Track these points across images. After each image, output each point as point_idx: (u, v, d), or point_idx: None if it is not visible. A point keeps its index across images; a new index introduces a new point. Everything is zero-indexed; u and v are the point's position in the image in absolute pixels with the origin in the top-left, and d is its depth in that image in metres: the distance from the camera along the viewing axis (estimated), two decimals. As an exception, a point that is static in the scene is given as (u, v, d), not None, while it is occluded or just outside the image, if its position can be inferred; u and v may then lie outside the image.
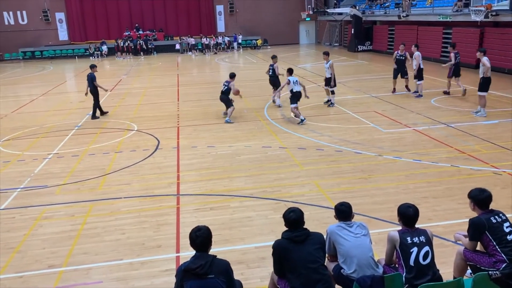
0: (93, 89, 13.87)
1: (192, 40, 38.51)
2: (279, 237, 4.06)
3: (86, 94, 13.97)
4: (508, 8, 14.50)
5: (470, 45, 21.54)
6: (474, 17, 16.94)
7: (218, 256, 3.73)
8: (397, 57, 15.37)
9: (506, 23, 19.29)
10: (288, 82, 12.10)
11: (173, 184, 8.14)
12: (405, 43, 16.04)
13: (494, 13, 17.87)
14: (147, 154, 10.02)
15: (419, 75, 14.74)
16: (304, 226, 4.08)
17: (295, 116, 12.31)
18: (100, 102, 14.31)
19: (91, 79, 13.90)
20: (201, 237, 3.65)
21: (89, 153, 10.33)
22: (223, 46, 39.35)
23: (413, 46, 14.86)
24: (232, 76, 12.90)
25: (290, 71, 12.43)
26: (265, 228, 6.32)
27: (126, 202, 7.46)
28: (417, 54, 14.50)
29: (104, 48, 38.19)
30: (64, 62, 34.92)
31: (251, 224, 6.47)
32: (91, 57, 37.68)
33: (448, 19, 22.67)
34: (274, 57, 14.93)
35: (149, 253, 5.80)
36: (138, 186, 8.15)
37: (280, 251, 3.90)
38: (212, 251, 3.83)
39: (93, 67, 14.30)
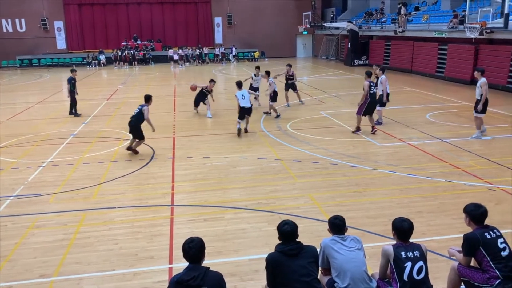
0: (71, 91, 15.50)
1: (181, 52, 38.45)
2: (273, 249, 4.04)
3: (68, 96, 15.56)
4: (503, 25, 14.69)
5: (465, 61, 21.82)
6: (469, 34, 17.15)
7: (211, 268, 3.71)
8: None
9: (500, 40, 19.55)
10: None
11: (167, 195, 8.11)
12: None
13: (488, 30, 18.11)
14: (142, 164, 9.99)
15: (381, 101, 12.90)
16: (298, 239, 4.08)
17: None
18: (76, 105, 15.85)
19: (68, 81, 15.49)
20: (194, 249, 3.63)
21: (83, 162, 10.29)
22: (220, 57, 39.56)
23: (378, 69, 13.24)
24: (148, 99, 10.71)
25: (239, 85, 12.52)
26: (259, 240, 6.29)
27: (120, 212, 7.41)
28: (383, 78, 12.90)
29: (102, 57, 38.26)
30: (61, 71, 34.90)
31: (245, 236, 6.44)
32: (88, 66, 37.74)
33: (443, 36, 22.94)
34: (289, 65, 16.59)
35: (141, 264, 5.75)
36: (132, 196, 8.11)
37: (273, 264, 3.89)
38: (206, 263, 3.81)
39: (72, 71, 15.98)
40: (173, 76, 29.86)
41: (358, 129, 12.09)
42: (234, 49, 40.24)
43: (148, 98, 10.68)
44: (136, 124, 10.40)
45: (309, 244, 4.13)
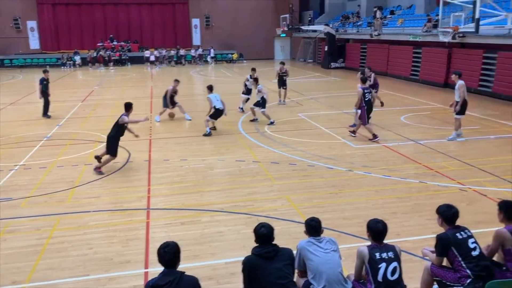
0: (43, 92, 15.41)
1: (156, 53, 38.16)
2: (250, 252, 4.04)
3: (40, 97, 15.54)
4: (474, 30, 15.09)
5: (438, 64, 22.33)
6: (442, 38, 17.56)
7: (188, 272, 3.68)
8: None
9: (472, 44, 20.08)
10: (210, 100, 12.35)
11: (143, 198, 8.02)
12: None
13: (461, 35, 18.57)
14: (118, 167, 9.84)
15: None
16: (275, 241, 4.09)
17: (205, 126, 12.61)
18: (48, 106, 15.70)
19: (40, 82, 15.49)
20: (169, 254, 3.60)
21: (57, 165, 10.08)
22: (198, 59, 39.40)
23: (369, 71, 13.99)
24: (127, 107, 9.58)
25: (210, 88, 12.65)
26: (236, 243, 6.28)
27: (94, 216, 7.29)
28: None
29: (77, 58, 37.59)
30: (35, 71, 34.07)
31: (222, 239, 6.42)
32: (63, 67, 37.00)
33: (418, 39, 23.41)
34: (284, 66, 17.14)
35: (117, 269, 5.66)
36: (108, 200, 7.99)
37: (250, 268, 3.89)
38: (182, 266, 3.78)
39: (45, 71, 15.91)
40: (150, 77, 29.57)
41: (375, 136, 11.53)
42: (212, 50, 40.13)
43: (128, 107, 9.58)
44: (110, 134, 9.38)
45: (285, 247, 4.15)
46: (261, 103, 13.95)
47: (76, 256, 6.00)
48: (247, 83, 15.81)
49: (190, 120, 14.73)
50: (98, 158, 9.47)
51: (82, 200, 7.99)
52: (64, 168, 9.81)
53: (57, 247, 6.24)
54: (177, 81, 14.97)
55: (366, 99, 11.45)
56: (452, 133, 11.71)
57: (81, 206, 7.69)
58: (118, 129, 9.40)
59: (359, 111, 12.19)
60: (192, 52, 39.62)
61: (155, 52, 37.76)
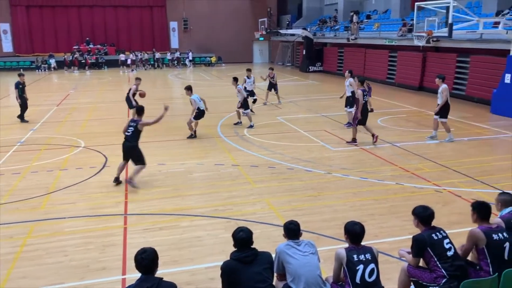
0: (20, 96, 15.15)
1: (132, 56, 37.94)
2: (229, 256, 4.02)
3: (19, 102, 15.17)
4: (447, 35, 15.47)
5: (413, 68, 22.79)
6: (416, 42, 17.91)
7: (166, 278, 3.64)
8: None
9: (445, 48, 20.59)
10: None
11: (120, 203, 7.90)
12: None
13: (435, 39, 18.98)
14: (94, 171, 9.68)
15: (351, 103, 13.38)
16: (255, 245, 4.08)
17: (189, 129, 12.70)
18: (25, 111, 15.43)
19: (16, 86, 15.15)
20: (146, 260, 3.55)
21: (31, 170, 9.84)
22: (175, 62, 39.21)
23: (346, 72, 14.16)
24: (140, 111, 9.08)
25: (190, 89, 12.53)
26: (215, 247, 6.25)
27: (70, 222, 7.13)
28: (352, 80, 13.35)
29: (52, 61, 36.89)
30: (8, 75, 33.27)
31: (201, 244, 6.38)
32: (37, 70, 36.25)
33: (393, 43, 23.84)
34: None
35: (93, 276, 5.55)
36: (84, 205, 7.83)
37: (229, 272, 3.87)
38: (161, 272, 3.74)
39: (20, 75, 15.60)
40: (127, 81, 29.22)
41: (354, 140, 11.58)
42: (190, 53, 39.96)
43: (140, 111, 9.02)
44: (133, 143, 8.64)
45: (264, 250, 4.15)
46: (244, 105, 13.91)
47: (51, 263, 5.85)
48: (246, 85, 15.95)
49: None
50: (117, 180, 8.81)
51: (58, 206, 7.82)
52: (39, 174, 9.59)
53: (31, 255, 6.08)
54: (138, 79, 14.87)
55: (363, 101, 11.34)
56: (447, 135, 11.82)
57: (56, 213, 7.52)
58: (138, 135, 8.82)
59: (352, 110, 12.27)
60: (168, 56, 39.36)
61: (131, 56, 37.45)
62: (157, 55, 39.11)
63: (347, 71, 14.22)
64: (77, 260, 5.93)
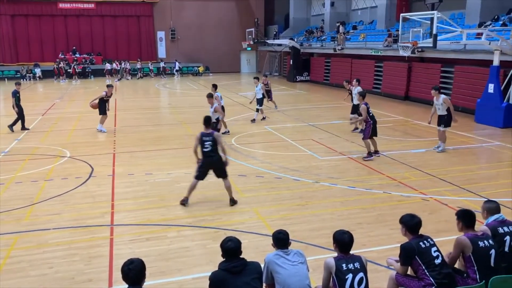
0: (17, 104, 15.13)
1: (115, 65, 37.87)
2: (218, 267, 3.99)
3: (15, 110, 15.11)
4: (432, 45, 15.73)
5: (399, 78, 23.09)
6: (402, 52, 18.14)
7: (153, 290, 3.59)
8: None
9: (430, 58, 20.92)
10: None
11: (107, 214, 7.79)
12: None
13: (419, 49, 19.29)
14: (80, 182, 9.55)
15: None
16: (243, 255, 4.05)
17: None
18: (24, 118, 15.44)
19: (13, 95, 15.19)
20: (134, 271, 3.50)
21: (16, 181, 9.67)
22: (161, 72, 39.13)
23: (354, 80, 14.57)
24: (208, 122, 8.16)
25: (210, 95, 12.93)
26: (203, 258, 6.19)
27: (55, 234, 7.01)
28: (359, 89, 13.90)
29: (38, 70, 36.50)
30: (-8, 84, 32.89)
31: (189, 254, 6.31)
32: (22, 80, 35.79)
33: (379, 53, 24.15)
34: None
35: (79, 288, 5.45)
36: (69, 216, 7.71)
37: (217, 283, 3.83)
38: (148, 284, 3.69)
39: (17, 84, 15.83)
40: (114, 90, 28.99)
41: (369, 154, 11.12)
42: (177, 63, 39.92)
43: (208, 122, 8.14)
44: (218, 155, 7.96)
45: (253, 260, 4.12)
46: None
47: (35, 276, 5.73)
48: (256, 93, 16.54)
49: (103, 132, 14.75)
50: (232, 201, 8.19)
51: (42, 217, 7.68)
52: (23, 184, 9.43)
53: (14, 267, 5.95)
54: (110, 86, 15.30)
55: (371, 114, 11.12)
56: (440, 144, 11.85)
57: (40, 224, 7.38)
58: (217, 146, 7.97)
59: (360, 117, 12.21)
60: (150, 65, 39.02)
61: (114, 65, 37.40)
62: (138, 65, 38.71)
63: (354, 80, 14.68)
64: (62, 272, 5.82)
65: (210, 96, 12.32)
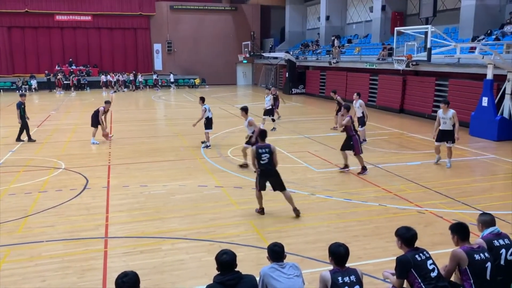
0: (22, 116, 15.08)
1: (110, 77, 38.02)
2: (213, 280, 3.95)
3: (19, 122, 15.17)
4: (426, 59, 15.88)
5: (394, 91, 23.25)
6: (396, 66, 18.29)
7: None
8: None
9: (424, 72, 21.12)
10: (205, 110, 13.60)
11: (101, 226, 7.72)
12: None
13: (414, 63, 19.46)
14: (74, 194, 9.48)
15: (363, 122, 14.22)
16: (239, 268, 4.02)
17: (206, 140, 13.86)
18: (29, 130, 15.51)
19: (17, 107, 15.10)
20: (128, 283, 3.46)
21: (9, 192, 9.59)
22: (156, 84, 39.22)
23: (355, 94, 14.68)
24: (264, 135, 8.35)
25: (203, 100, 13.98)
26: (198, 271, 6.14)
27: (48, 246, 6.93)
28: (361, 102, 14.32)
29: (34, 82, 36.50)
30: (-13, 95, 32.83)
31: (184, 267, 6.26)
32: (18, 91, 35.70)
33: (374, 67, 24.34)
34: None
35: (71, 302, 5.38)
36: (63, 229, 7.63)
37: (212, 296, 3.80)
38: (141, 297, 3.64)
39: (22, 95, 15.76)
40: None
41: (364, 168, 10.91)
42: (172, 76, 40.03)
43: (263, 134, 8.36)
44: (275, 168, 8.06)
45: (249, 273, 4.09)
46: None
47: (27, 289, 5.66)
48: (267, 100, 17.17)
49: (95, 144, 14.83)
50: (296, 212, 8.12)
51: (35, 229, 7.61)
52: (16, 196, 9.35)
53: (6, 281, 5.87)
54: (108, 102, 15.43)
55: (354, 129, 11.02)
56: (448, 162, 11.58)
57: (34, 236, 7.31)
58: (271, 158, 8.09)
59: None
60: (140, 78, 39.09)
61: (108, 77, 37.54)
62: (131, 76, 38.73)
63: (355, 94, 14.77)
64: (55, 286, 5.74)
65: (244, 110, 11.62)
